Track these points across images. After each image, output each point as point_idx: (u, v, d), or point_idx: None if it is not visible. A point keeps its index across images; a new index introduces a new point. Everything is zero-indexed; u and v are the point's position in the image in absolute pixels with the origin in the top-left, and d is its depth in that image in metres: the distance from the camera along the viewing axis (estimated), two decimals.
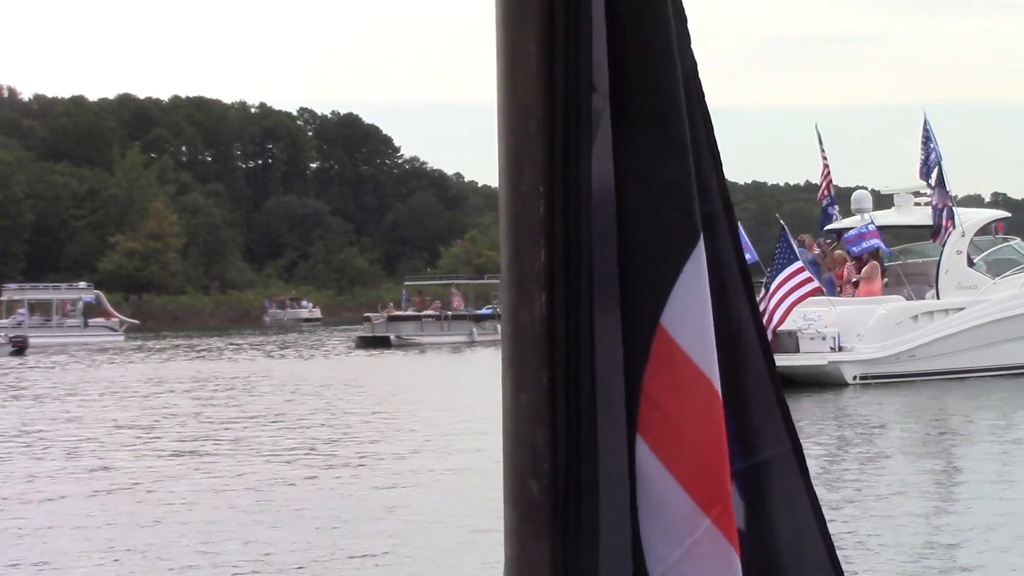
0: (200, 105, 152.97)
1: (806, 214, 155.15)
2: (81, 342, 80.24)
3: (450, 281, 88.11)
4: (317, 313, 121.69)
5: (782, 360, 32.37)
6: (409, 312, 77.36)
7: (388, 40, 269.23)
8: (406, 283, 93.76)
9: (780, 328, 32.25)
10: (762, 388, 1.90)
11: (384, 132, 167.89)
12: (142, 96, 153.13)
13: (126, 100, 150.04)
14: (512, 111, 1.76)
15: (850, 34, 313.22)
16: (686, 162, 1.79)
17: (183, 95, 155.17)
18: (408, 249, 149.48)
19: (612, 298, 1.80)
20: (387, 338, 70.87)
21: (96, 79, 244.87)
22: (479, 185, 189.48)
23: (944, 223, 33.46)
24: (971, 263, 34.72)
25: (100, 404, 34.67)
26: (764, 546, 1.88)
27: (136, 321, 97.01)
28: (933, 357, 32.75)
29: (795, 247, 32.26)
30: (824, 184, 36.08)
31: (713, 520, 1.78)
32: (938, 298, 33.88)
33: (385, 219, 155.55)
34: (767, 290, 32.46)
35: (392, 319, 74.90)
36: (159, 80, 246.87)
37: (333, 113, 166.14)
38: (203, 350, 68.95)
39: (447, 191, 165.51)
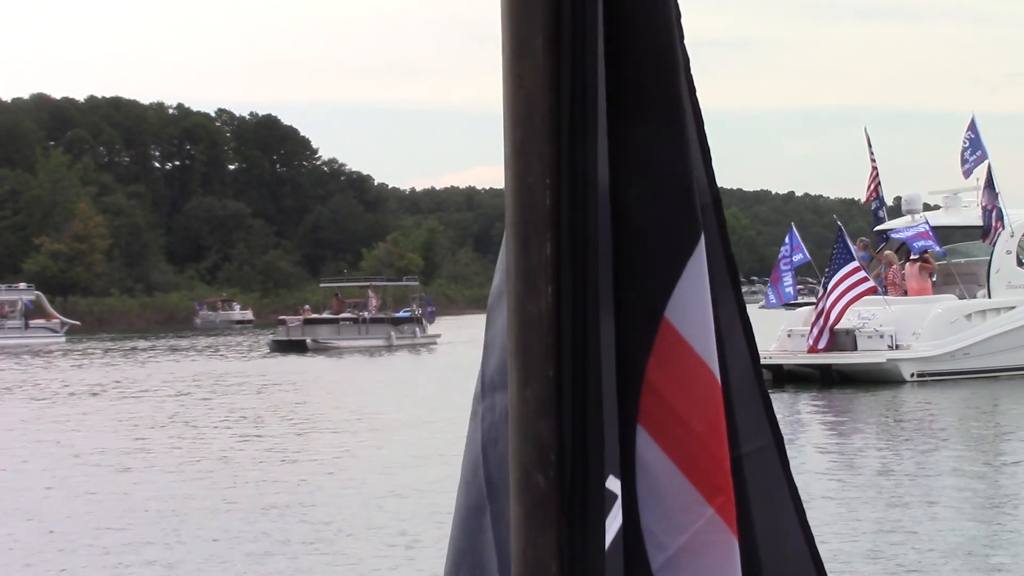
0: (118, 105, 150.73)
1: None
2: (22, 343, 78.88)
3: (367, 283, 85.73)
4: (249, 315, 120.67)
5: (840, 358, 32.97)
6: (325, 315, 75.34)
7: (305, 41, 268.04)
8: (322, 284, 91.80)
9: (837, 327, 32.86)
10: (746, 382, 1.90)
11: (302, 134, 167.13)
12: (58, 96, 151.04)
13: (41, 100, 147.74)
14: (518, 103, 1.75)
15: (740, 40, 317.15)
16: (688, 157, 1.81)
17: (99, 95, 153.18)
18: (330, 251, 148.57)
19: (609, 290, 1.79)
20: (303, 342, 68.29)
21: (7, 78, 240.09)
22: (390, 187, 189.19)
23: (994, 224, 34.30)
24: (1020, 263, 35.63)
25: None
26: (744, 538, 1.86)
27: (77, 322, 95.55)
28: (986, 355, 33.55)
29: (852, 248, 32.86)
30: (872, 187, 36.67)
31: (716, 509, 1.79)
32: (989, 297, 34.76)
33: (306, 221, 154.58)
34: (824, 289, 33.05)
35: (308, 322, 72.25)
36: (73, 80, 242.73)
37: (251, 114, 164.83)
38: (158, 352, 68.28)
39: (366, 193, 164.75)
